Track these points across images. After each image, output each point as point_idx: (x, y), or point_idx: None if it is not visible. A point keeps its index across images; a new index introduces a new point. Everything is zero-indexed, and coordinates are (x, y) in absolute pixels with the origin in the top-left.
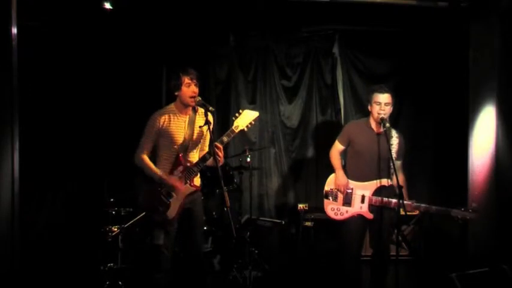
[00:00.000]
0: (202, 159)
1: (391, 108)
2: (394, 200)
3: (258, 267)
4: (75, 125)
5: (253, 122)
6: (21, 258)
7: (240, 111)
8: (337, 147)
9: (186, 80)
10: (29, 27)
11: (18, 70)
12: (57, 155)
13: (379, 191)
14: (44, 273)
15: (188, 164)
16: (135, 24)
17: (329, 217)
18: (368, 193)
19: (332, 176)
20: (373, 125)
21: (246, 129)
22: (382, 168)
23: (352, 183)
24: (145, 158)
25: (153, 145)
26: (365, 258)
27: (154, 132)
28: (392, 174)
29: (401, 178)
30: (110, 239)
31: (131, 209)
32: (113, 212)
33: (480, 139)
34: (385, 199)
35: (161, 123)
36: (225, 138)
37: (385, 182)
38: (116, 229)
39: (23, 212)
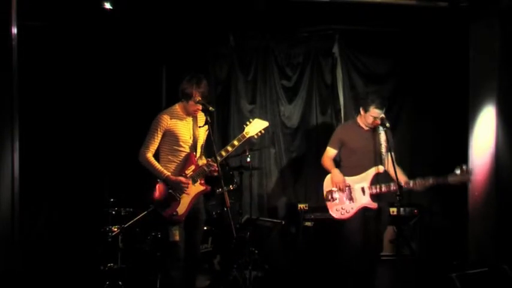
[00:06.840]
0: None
1: None
2: (393, 184)
3: (258, 267)
4: (75, 125)
5: (262, 131)
6: (21, 258)
7: (251, 119)
8: (329, 153)
9: (197, 97)
10: (29, 27)
11: (18, 70)
12: (57, 155)
13: (375, 180)
14: (44, 273)
15: (200, 164)
16: (135, 24)
17: (335, 218)
18: (366, 184)
19: (328, 177)
20: (362, 124)
21: (255, 136)
22: (376, 160)
23: (349, 179)
24: (151, 157)
25: (158, 145)
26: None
27: (161, 131)
28: (385, 164)
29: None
30: (110, 239)
31: (131, 209)
32: (113, 212)
33: (480, 139)
34: (384, 186)
35: (168, 123)
36: (235, 142)
37: (379, 169)
38: (116, 229)
39: (23, 212)
